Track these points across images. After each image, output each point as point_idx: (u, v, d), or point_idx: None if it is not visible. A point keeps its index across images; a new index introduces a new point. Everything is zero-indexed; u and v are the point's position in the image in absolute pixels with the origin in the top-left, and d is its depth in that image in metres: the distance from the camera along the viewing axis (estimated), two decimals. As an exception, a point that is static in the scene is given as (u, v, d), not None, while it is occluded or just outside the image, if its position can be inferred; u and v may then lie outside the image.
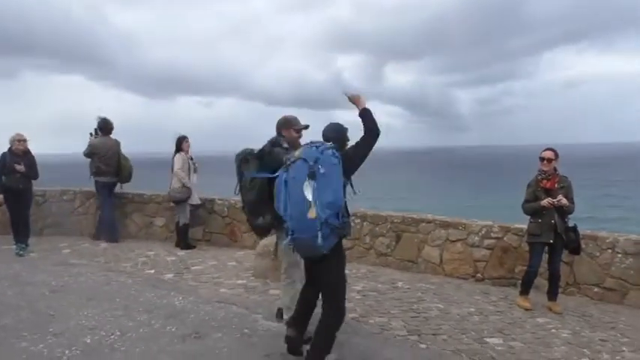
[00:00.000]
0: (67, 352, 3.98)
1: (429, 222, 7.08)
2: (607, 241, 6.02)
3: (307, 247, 3.47)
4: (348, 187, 3.72)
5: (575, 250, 5.51)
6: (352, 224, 7.29)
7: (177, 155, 8.17)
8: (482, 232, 6.68)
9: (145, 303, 5.26)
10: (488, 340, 4.52)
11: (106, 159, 8.50)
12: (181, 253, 7.89)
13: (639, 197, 39.20)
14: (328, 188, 3.36)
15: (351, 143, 3.85)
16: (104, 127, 8.69)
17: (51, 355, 3.92)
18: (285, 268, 4.50)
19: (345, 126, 3.94)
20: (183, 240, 8.25)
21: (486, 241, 6.65)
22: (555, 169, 5.52)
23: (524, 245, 6.16)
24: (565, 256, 5.79)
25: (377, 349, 4.19)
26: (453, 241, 6.86)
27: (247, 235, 8.14)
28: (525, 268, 5.77)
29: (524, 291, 5.63)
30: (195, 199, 8.32)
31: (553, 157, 5.49)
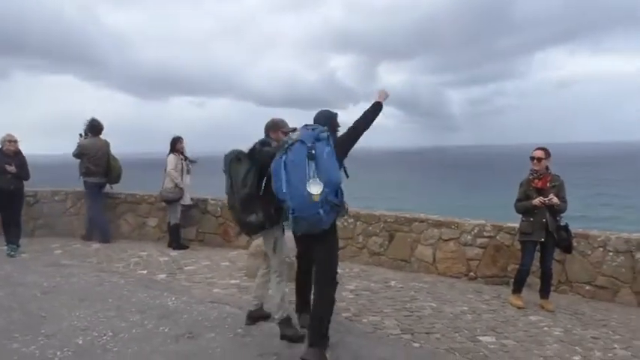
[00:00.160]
0: (58, 353, 3.96)
1: (421, 221, 7.10)
2: (598, 239, 6.06)
3: (309, 224, 3.61)
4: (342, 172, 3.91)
5: (567, 248, 5.54)
6: (345, 224, 7.33)
7: (171, 155, 8.16)
8: (475, 231, 6.71)
9: (137, 303, 5.24)
10: (481, 338, 4.53)
11: (96, 159, 8.46)
12: (174, 253, 7.86)
13: (631, 196, 39.48)
14: (326, 168, 3.56)
15: (341, 129, 4.17)
16: (94, 127, 8.66)
17: (43, 357, 3.89)
18: (276, 266, 4.48)
19: (335, 111, 4.21)
20: (176, 240, 8.23)
21: (479, 240, 6.67)
22: (547, 168, 5.55)
23: (516, 244, 6.19)
24: (557, 254, 5.83)
25: (370, 348, 4.19)
26: (446, 240, 6.89)
27: (240, 235, 8.13)
28: (518, 266, 5.80)
29: (517, 289, 5.66)
30: (186, 200, 8.31)
31: (543, 157, 5.52)
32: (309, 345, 3.79)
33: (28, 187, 8.16)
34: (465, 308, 5.38)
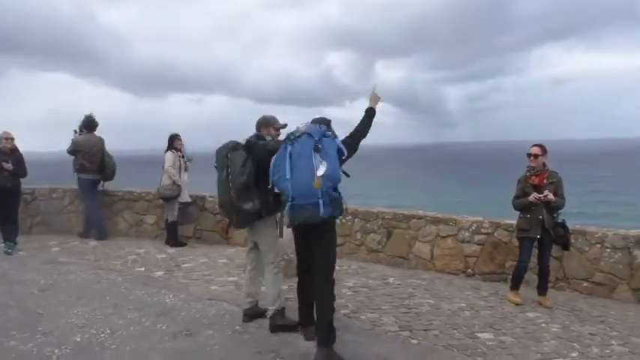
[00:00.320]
0: (56, 350, 3.95)
1: (419, 218, 7.10)
2: (596, 236, 6.07)
3: (308, 212, 3.71)
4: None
5: (565, 245, 5.54)
6: (343, 221, 7.33)
7: (169, 153, 8.14)
8: (473, 227, 6.71)
9: (135, 301, 5.23)
10: (479, 335, 4.54)
11: (90, 156, 8.45)
12: (172, 250, 7.86)
13: (627, 193, 39.61)
14: (330, 162, 3.71)
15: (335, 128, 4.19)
16: (88, 124, 8.64)
17: (40, 354, 3.89)
18: (272, 258, 4.59)
19: (329, 118, 4.24)
20: (173, 237, 8.22)
21: (477, 237, 6.68)
22: (544, 165, 5.55)
23: (514, 240, 6.20)
24: (555, 251, 5.83)
25: (369, 345, 4.20)
26: (444, 237, 6.89)
27: (238, 233, 8.12)
28: (515, 263, 5.80)
29: (515, 286, 5.66)
30: (185, 197, 8.30)
31: (539, 153, 5.52)
32: (318, 345, 3.87)
33: (26, 184, 8.14)
34: (463, 305, 5.39)
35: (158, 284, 5.90)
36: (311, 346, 4.08)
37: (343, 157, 3.97)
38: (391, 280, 6.32)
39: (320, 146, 3.74)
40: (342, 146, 3.93)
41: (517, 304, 5.47)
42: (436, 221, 6.97)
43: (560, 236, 5.43)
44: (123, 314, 4.81)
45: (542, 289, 5.62)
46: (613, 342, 4.49)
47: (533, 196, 5.37)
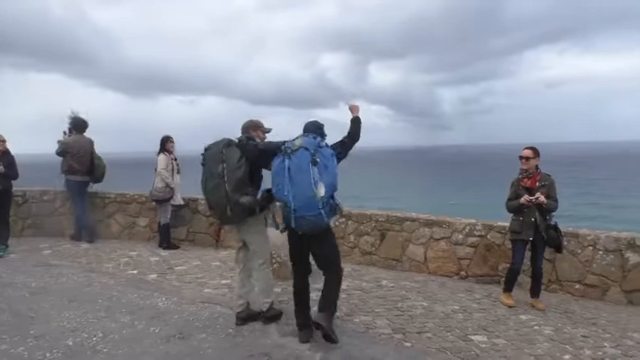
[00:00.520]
0: (47, 354, 3.92)
1: (413, 220, 7.11)
2: (588, 238, 6.10)
3: (312, 223, 3.97)
4: None
5: (557, 247, 5.56)
6: (337, 223, 7.34)
7: (161, 155, 8.10)
8: (466, 230, 6.73)
9: (127, 304, 5.20)
10: (472, 337, 4.54)
11: (79, 157, 8.40)
12: (164, 253, 7.82)
13: (618, 195, 39.91)
14: (327, 173, 3.94)
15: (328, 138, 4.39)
16: (78, 125, 8.59)
17: (32, 358, 3.86)
18: (263, 255, 4.74)
19: (322, 122, 4.49)
20: (166, 240, 8.19)
21: (470, 239, 6.70)
22: (537, 168, 5.57)
23: (507, 243, 6.22)
24: (547, 253, 5.85)
25: (362, 347, 4.19)
26: (437, 240, 6.90)
27: (230, 235, 8.10)
28: (508, 265, 5.82)
29: (508, 288, 5.68)
30: (177, 200, 8.28)
31: (531, 156, 5.54)
32: (318, 310, 4.22)
33: (17, 186, 8.08)
34: (456, 307, 5.39)
35: (151, 287, 5.87)
36: (304, 349, 4.09)
37: (339, 157, 4.24)
38: (384, 282, 6.32)
39: (317, 159, 3.94)
40: (334, 152, 4.15)
41: (510, 307, 5.48)
42: (429, 224, 6.99)
43: (552, 239, 5.45)
44: (115, 317, 4.78)
45: (535, 291, 5.63)
46: (605, 344, 4.51)
47: (525, 199, 5.39)
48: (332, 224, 4.33)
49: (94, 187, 8.97)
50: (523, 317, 5.18)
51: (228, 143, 4.48)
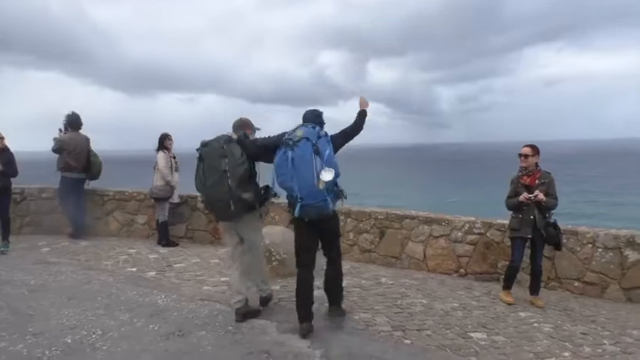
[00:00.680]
0: (47, 352, 3.91)
1: (412, 218, 7.11)
2: (587, 235, 6.10)
3: (318, 209, 4.20)
4: None
5: (557, 245, 5.56)
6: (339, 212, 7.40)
7: (160, 153, 8.09)
8: (466, 227, 6.73)
9: (126, 301, 5.19)
10: (472, 334, 4.54)
11: (75, 155, 8.41)
12: (163, 250, 7.81)
13: (615, 193, 39.97)
14: (329, 161, 4.11)
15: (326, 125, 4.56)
16: (73, 122, 8.60)
17: (30, 355, 3.85)
18: (258, 246, 4.96)
19: (321, 110, 4.64)
20: (165, 237, 8.18)
21: (469, 237, 6.69)
22: (537, 165, 5.57)
23: (506, 240, 6.22)
24: (547, 251, 5.85)
25: (361, 345, 4.19)
26: (437, 237, 6.90)
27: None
28: (508, 263, 5.82)
29: (507, 286, 5.68)
30: (175, 198, 8.28)
31: (530, 153, 5.53)
32: (330, 304, 4.79)
33: (16, 184, 8.05)
34: (456, 305, 5.39)
35: (150, 285, 5.86)
36: (304, 346, 4.09)
37: (339, 146, 4.44)
38: (384, 280, 6.32)
39: (318, 148, 4.10)
40: (331, 147, 4.26)
41: (509, 304, 5.49)
42: (429, 221, 6.99)
43: (552, 236, 5.45)
44: (114, 315, 4.77)
45: (534, 289, 5.63)
46: (605, 341, 4.51)
47: (524, 196, 5.39)
48: (335, 208, 4.49)
49: (90, 185, 8.98)
50: (522, 315, 5.18)
51: (229, 139, 4.54)
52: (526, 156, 5.54)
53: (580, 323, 4.98)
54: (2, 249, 7.35)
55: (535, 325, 4.88)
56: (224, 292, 5.61)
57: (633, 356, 4.20)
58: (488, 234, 6.59)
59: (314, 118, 4.52)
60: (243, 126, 4.87)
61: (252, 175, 4.57)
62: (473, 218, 6.83)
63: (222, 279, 6.16)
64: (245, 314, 4.69)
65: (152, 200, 8.32)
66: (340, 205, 4.61)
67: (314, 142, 4.12)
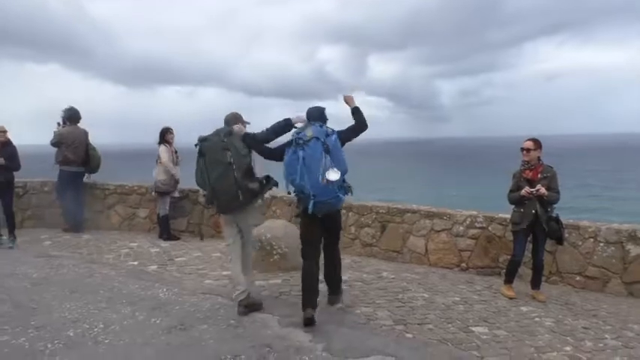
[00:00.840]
0: (49, 345, 3.92)
1: (414, 212, 7.10)
2: (589, 230, 6.09)
3: (330, 206, 4.42)
4: None
5: (559, 239, 5.56)
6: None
7: (162, 146, 8.09)
8: (467, 222, 6.72)
9: (128, 295, 5.20)
10: (473, 328, 4.54)
11: (74, 148, 8.45)
12: (165, 244, 7.82)
13: (619, 187, 39.92)
14: (338, 159, 4.31)
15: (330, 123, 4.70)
16: (72, 116, 8.64)
17: (33, 349, 3.85)
18: (252, 238, 5.16)
19: (323, 106, 4.80)
20: (166, 231, 8.19)
21: (471, 231, 6.69)
22: (539, 159, 5.56)
23: (508, 235, 6.22)
24: (548, 245, 5.84)
25: (363, 339, 4.19)
26: (438, 231, 6.90)
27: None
28: (509, 257, 5.82)
29: (509, 280, 5.68)
30: (176, 192, 8.29)
31: (532, 147, 5.52)
32: (330, 293, 4.96)
33: (18, 177, 8.07)
34: (457, 299, 5.39)
35: (152, 278, 5.87)
36: (305, 340, 4.09)
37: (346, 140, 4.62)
38: (385, 274, 6.32)
39: (328, 146, 4.27)
40: (342, 135, 4.52)
41: (511, 298, 5.48)
42: (430, 215, 6.98)
43: (553, 230, 5.44)
44: (116, 308, 4.78)
45: (535, 283, 5.63)
46: (606, 336, 4.51)
47: (525, 190, 5.38)
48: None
49: (91, 178, 8.99)
50: (524, 309, 5.18)
51: (229, 132, 4.64)
52: (528, 150, 5.52)
53: (581, 317, 4.98)
54: (10, 245, 7.38)
55: (536, 319, 4.88)
56: (225, 285, 5.62)
57: (635, 350, 4.20)
58: (489, 228, 6.59)
59: (319, 116, 4.68)
60: (235, 120, 4.93)
61: (252, 166, 4.71)
62: (474, 212, 6.83)
63: (224, 273, 6.16)
64: (247, 306, 4.70)
65: (153, 194, 8.32)
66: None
67: (323, 140, 4.28)
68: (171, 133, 8.26)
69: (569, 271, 6.18)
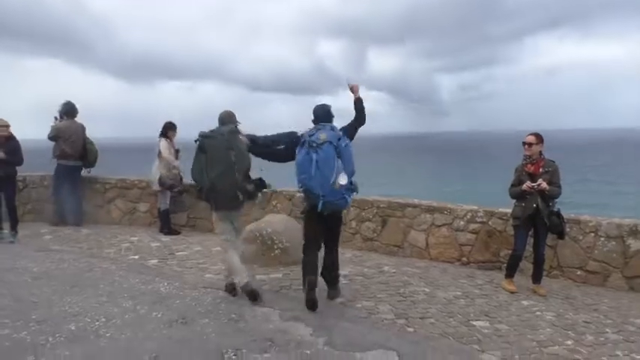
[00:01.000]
0: (50, 338, 3.92)
1: (414, 207, 7.09)
2: (590, 224, 6.09)
3: (337, 206, 4.61)
4: None
5: (560, 234, 5.55)
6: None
7: (163, 140, 8.05)
8: (468, 216, 6.72)
9: (129, 289, 5.20)
10: (474, 323, 4.55)
11: (71, 142, 8.45)
12: (165, 238, 7.82)
13: (618, 182, 39.89)
14: (348, 162, 4.55)
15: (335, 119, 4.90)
16: (68, 110, 8.63)
17: (34, 342, 3.85)
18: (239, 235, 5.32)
19: (329, 104, 4.93)
20: (166, 226, 8.18)
21: (471, 226, 6.68)
22: (541, 154, 5.54)
23: (509, 229, 6.22)
24: (549, 239, 5.84)
25: (364, 333, 4.19)
26: (439, 226, 6.89)
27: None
28: (510, 251, 5.82)
29: (510, 274, 5.68)
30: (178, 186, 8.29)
31: (534, 142, 5.50)
32: (329, 288, 5.02)
33: (18, 172, 8.04)
34: (459, 293, 5.40)
35: (152, 272, 5.86)
36: (306, 334, 4.09)
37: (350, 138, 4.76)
38: (386, 268, 6.32)
39: (340, 150, 4.50)
40: (349, 146, 4.66)
41: (512, 293, 5.49)
42: (431, 210, 6.97)
43: (555, 225, 5.43)
44: (117, 302, 4.78)
45: (536, 277, 5.63)
46: (607, 330, 4.51)
47: (527, 185, 5.37)
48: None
49: (90, 172, 8.99)
50: (525, 303, 5.19)
51: (234, 131, 4.76)
52: (530, 144, 5.51)
53: (582, 312, 4.99)
54: (11, 239, 7.37)
55: (538, 313, 4.89)
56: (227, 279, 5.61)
57: (636, 344, 4.21)
58: (490, 222, 6.58)
59: (326, 115, 4.83)
60: (230, 119, 5.00)
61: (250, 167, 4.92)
62: (475, 207, 6.82)
63: (225, 267, 6.15)
64: (253, 290, 4.82)
65: (154, 188, 8.27)
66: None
67: (335, 144, 4.50)
68: (174, 130, 8.21)
69: (570, 265, 6.18)
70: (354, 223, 7.48)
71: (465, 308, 4.92)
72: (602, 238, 6.01)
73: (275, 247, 6.22)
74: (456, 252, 6.78)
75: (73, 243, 7.36)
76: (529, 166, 5.52)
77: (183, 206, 8.64)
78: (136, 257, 6.62)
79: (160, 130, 8.15)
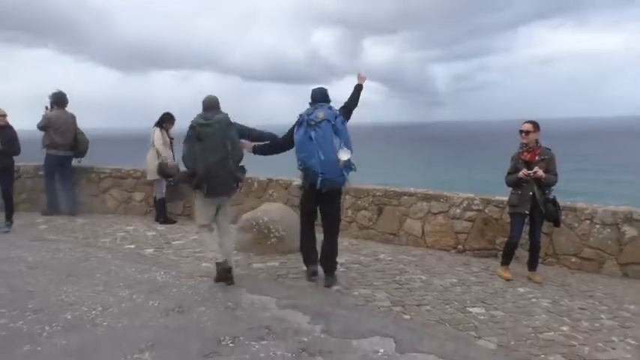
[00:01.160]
0: (47, 328, 3.91)
1: (410, 195, 7.10)
2: (586, 212, 6.11)
3: (335, 183, 4.78)
4: None
5: (555, 221, 5.57)
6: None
7: (157, 129, 7.96)
8: (464, 204, 6.72)
9: (125, 278, 5.19)
10: (470, 309, 4.57)
11: (61, 132, 8.39)
12: (161, 228, 7.80)
13: (612, 171, 40.05)
14: (346, 139, 4.73)
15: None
16: (59, 100, 8.57)
17: (31, 332, 3.85)
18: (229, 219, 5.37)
19: (326, 87, 5.08)
20: (162, 215, 8.16)
21: (467, 214, 6.69)
22: (537, 142, 5.54)
23: (505, 217, 6.23)
24: (545, 227, 5.86)
25: (362, 320, 4.20)
26: (435, 214, 6.90)
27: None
28: (506, 239, 5.84)
29: (505, 262, 5.70)
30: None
31: (531, 130, 5.50)
32: (327, 275, 5.10)
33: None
34: (455, 280, 5.41)
35: (148, 261, 5.86)
36: (304, 322, 4.10)
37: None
38: (383, 256, 6.33)
39: (338, 128, 4.68)
40: (345, 126, 4.86)
41: (507, 280, 5.51)
42: (427, 198, 6.97)
43: (551, 213, 5.45)
44: (114, 291, 4.77)
45: (532, 264, 5.66)
46: (602, 316, 4.54)
47: (523, 173, 5.38)
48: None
49: (81, 162, 8.94)
50: (521, 290, 5.21)
51: (230, 122, 4.87)
52: (527, 132, 5.50)
53: (578, 298, 5.01)
54: (6, 229, 7.34)
55: (533, 300, 4.91)
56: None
57: (631, 330, 4.24)
58: (486, 210, 6.59)
59: (324, 97, 4.98)
60: (217, 104, 5.01)
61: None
62: (471, 195, 6.82)
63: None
64: (228, 269, 5.00)
65: (152, 177, 8.16)
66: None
67: (333, 122, 4.67)
68: (172, 122, 8.12)
69: (565, 252, 6.21)
70: (350, 212, 7.48)
71: (461, 295, 4.94)
72: (598, 226, 6.03)
73: (271, 235, 6.21)
74: (452, 240, 6.79)
75: (68, 232, 7.33)
76: (525, 154, 5.52)
77: (179, 195, 8.61)
78: (132, 246, 6.61)
79: (157, 120, 8.06)
